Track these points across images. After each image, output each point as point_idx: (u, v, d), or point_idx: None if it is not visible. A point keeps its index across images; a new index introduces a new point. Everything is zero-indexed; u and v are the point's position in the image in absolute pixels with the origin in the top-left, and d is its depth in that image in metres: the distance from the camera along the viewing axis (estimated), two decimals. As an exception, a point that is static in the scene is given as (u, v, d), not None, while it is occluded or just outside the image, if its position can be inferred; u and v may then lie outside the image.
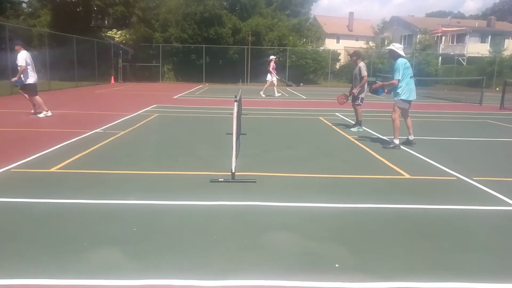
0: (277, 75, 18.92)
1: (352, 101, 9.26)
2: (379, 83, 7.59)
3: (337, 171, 5.52)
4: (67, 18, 29.21)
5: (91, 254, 2.89)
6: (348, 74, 32.27)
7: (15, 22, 29.61)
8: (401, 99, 7.00)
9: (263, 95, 18.54)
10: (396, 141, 7.03)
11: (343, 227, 3.56)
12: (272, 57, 18.96)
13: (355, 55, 9.19)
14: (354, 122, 9.39)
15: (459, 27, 44.09)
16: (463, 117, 12.68)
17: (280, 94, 19.33)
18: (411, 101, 7.11)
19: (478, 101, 17.39)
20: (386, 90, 7.34)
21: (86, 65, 24.68)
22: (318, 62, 33.83)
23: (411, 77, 7.01)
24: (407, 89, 6.95)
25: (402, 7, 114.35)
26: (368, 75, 9.22)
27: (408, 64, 7.02)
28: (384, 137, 8.15)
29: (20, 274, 2.60)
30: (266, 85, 18.96)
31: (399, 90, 6.96)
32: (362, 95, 9.00)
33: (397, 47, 7.10)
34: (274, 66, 18.52)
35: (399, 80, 6.88)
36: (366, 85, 9.03)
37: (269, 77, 18.61)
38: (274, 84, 18.81)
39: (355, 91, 8.91)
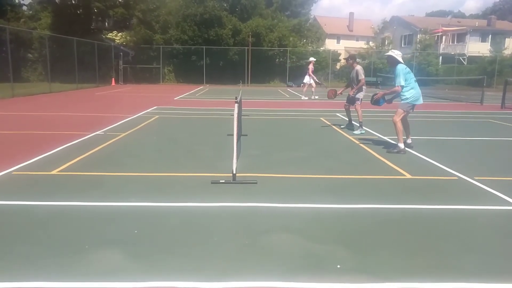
0: (311, 78, 18.26)
1: (348, 103, 9.22)
2: (380, 93, 7.28)
3: (338, 171, 5.52)
4: (68, 21, 29.30)
5: (92, 256, 2.89)
6: (349, 74, 32.35)
7: (15, 25, 29.64)
8: (408, 102, 6.78)
9: (305, 98, 18.23)
10: (401, 145, 6.75)
11: (345, 227, 3.55)
12: (311, 59, 18.46)
13: (351, 59, 9.19)
14: (352, 122, 9.34)
15: (459, 26, 44.06)
16: (464, 117, 12.66)
17: (317, 97, 18.22)
18: (415, 105, 6.92)
19: (479, 100, 17.38)
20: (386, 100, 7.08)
21: (86, 67, 24.74)
22: (319, 62, 33.77)
23: (415, 81, 6.82)
24: (414, 93, 6.75)
25: (402, 7, 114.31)
26: (368, 76, 9.21)
27: (408, 69, 6.83)
28: (385, 138, 8.14)
29: (22, 276, 2.60)
30: (305, 88, 18.61)
31: (406, 94, 6.73)
32: (361, 96, 8.96)
33: (396, 54, 6.90)
34: (313, 69, 18.08)
35: (402, 86, 6.66)
36: (364, 87, 9.01)
37: (306, 79, 18.23)
38: (313, 86, 18.31)
39: (351, 93, 8.90)
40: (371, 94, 7.64)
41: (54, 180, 4.86)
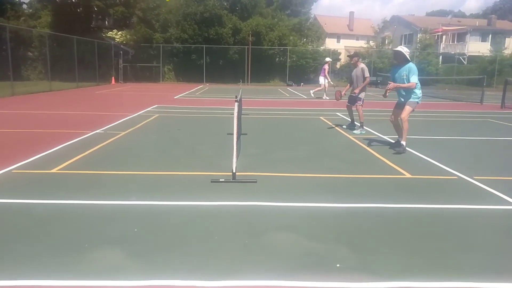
0: (325, 78, 18.16)
1: (350, 103, 9.20)
2: (393, 84, 6.95)
3: (338, 171, 5.52)
4: (68, 19, 29.23)
5: (92, 255, 2.89)
6: (349, 73, 32.26)
7: (15, 23, 29.61)
8: (417, 101, 6.80)
9: (313, 95, 18.22)
10: (404, 143, 6.74)
11: (344, 226, 3.56)
12: (327, 59, 18.40)
13: (356, 56, 9.08)
14: (354, 122, 9.33)
15: (459, 26, 44.00)
16: (464, 116, 12.66)
17: (328, 98, 17.86)
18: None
19: (479, 100, 17.37)
20: (387, 95, 7.03)
21: (86, 66, 24.71)
22: (319, 61, 33.81)
23: None
24: (421, 91, 6.83)
25: (403, 6, 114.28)
26: (369, 75, 9.13)
27: None
28: (385, 137, 8.15)
29: (22, 275, 2.60)
30: (319, 88, 18.41)
31: (417, 92, 6.76)
32: (363, 96, 8.94)
33: (405, 51, 6.86)
34: (328, 70, 17.96)
35: (416, 84, 6.66)
36: (366, 86, 8.99)
37: (321, 80, 18.08)
38: (326, 86, 18.16)
39: (357, 91, 8.85)
40: (371, 94, 7.58)
41: (54, 178, 4.86)
